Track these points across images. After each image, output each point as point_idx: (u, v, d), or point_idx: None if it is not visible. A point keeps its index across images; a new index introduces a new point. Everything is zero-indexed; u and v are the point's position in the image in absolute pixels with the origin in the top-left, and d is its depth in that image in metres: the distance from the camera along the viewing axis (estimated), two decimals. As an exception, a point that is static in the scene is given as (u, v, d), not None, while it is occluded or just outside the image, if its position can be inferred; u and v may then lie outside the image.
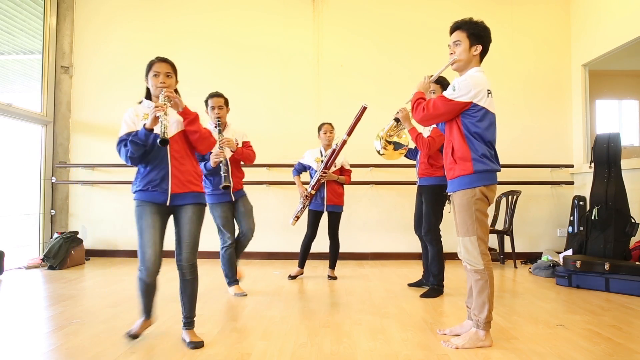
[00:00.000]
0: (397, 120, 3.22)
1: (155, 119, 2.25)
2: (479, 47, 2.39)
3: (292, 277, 4.25)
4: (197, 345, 2.36)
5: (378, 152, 3.46)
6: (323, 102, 5.55)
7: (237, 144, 3.54)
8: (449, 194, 2.52)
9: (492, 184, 2.36)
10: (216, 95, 3.56)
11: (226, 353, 2.28)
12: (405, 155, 3.66)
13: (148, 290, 2.44)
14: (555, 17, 5.63)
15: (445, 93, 2.37)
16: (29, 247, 5.29)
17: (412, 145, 3.53)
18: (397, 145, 3.43)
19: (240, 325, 2.77)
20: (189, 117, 2.39)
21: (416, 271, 4.61)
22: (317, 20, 5.63)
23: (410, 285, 3.90)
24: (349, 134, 3.97)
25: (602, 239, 4.12)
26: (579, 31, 5.47)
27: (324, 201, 4.14)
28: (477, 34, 2.39)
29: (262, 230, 5.42)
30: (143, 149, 2.32)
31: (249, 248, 5.41)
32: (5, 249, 4.43)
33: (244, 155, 3.58)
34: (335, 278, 4.24)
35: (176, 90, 2.54)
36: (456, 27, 2.44)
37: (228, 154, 3.41)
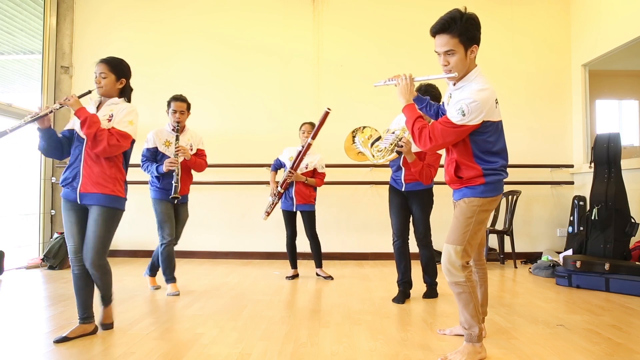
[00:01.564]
0: (399, 153, 3.09)
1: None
2: (475, 48, 2.08)
3: (290, 278, 4.26)
4: (107, 327, 2.61)
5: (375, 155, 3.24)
6: (323, 103, 5.53)
7: (192, 150, 3.57)
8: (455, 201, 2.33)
9: (500, 194, 2.22)
10: (179, 99, 3.56)
11: (226, 353, 2.28)
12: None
13: (79, 283, 2.55)
14: (555, 17, 5.63)
15: (452, 118, 2.06)
16: (29, 247, 5.29)
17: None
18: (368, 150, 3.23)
19: (240, 325, 2.77)
20: (80, 119, 2.41)
21: (415, 271, 4.60)
22: (317, 21, 5.62)
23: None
24: (313, 137, 3.99)
25: (602, 239, 4.12)
26: (579, 31, 5.47)
27: (294, 201, 4.15)
28: (471, 36, 2.06)
29: (262, 230, 5.46)
30: (43, 142, 2.47)
31: (249, 248, 5.47)
32: (5, 249, 4.44)
33: (196, 165, 3.59)
34: (330, 277, 4.23)
35: (127, 89, 2.62)
36: (442, 28, 2.08)
37: (180, 159, 3.47)
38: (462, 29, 2.04)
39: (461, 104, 2.04)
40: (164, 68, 5.61)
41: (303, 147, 4.03)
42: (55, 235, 5.02)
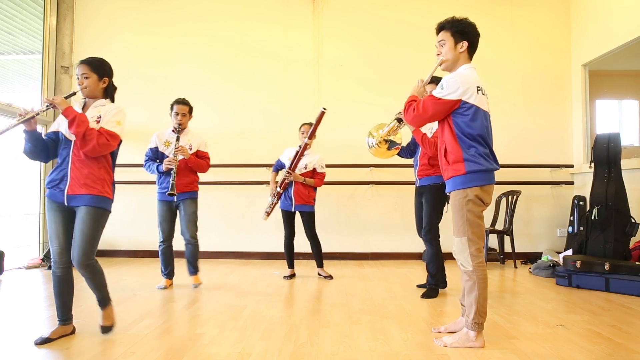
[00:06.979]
0: (399, 120, 3.09)
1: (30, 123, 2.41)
2: (465, 44, 2.37)
3: (287, 277, 4.26)
4: (108, 329, 2.55)
5: (370, 148, 3.20)
6: (323, 104, 5.53)
7: (191, 150, 3.74)
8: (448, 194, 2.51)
9: (487, 184, 2.32)
10: (182, 102, 3.75)
11: (226, 353, 2.28)
12: (399, 154, 3.55)
13: (60, 286, 2.51)
14: (555, 18, 5.63)
15: (434, 92, 2.34)
16: (29, 247, 5.29)
17: (404, 143, 3.47)
18: (391, 144, 3.26)
19: (240, 325, 2.77)
20: (68, 119, 2.37)
21: (416, 271, 4.62)
22: (317, 23, 5.62)
23: (419, 286, 3.81)
24: (310, 137, 4.06)
25: (602, 239, 4.12)
26: (579, 31, 5.47)
27: (292, 201, 4.15)
28: (460, 31, 2.37)
29: (262, 230, 5.46)
30: (30, 145, 2.44)
31: (249, 248, 5.47)
32: (5, 249, 4.44)
33: (194, 164, 3.73)
34: (330, 277, 4.24)
35: (110, 88, 2.59)
36: (440, 27, 2.44)
37: (179, 158, 3.65)
38: (452, 25, 2.39)
39: (442, 81, 2.34)
40: (164, 69, 5.61)
41: (300, 147, 4.08)
42: (55, 235, 5.02)
